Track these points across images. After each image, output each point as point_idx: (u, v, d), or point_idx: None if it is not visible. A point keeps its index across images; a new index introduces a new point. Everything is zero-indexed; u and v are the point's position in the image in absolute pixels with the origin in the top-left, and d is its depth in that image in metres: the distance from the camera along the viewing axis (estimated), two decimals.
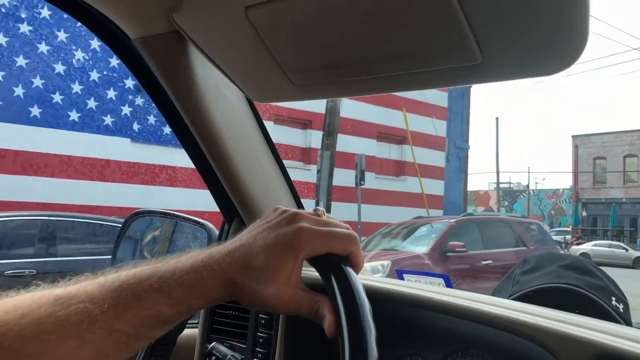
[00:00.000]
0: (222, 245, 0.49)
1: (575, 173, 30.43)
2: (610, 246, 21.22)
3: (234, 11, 0.57)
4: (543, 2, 0.43)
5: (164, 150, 10.53)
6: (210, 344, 0.88)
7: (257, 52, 0.62)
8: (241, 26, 0.58)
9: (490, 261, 7.33)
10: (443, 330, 0.70)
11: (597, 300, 0.78)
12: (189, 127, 0.81)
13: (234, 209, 0.90)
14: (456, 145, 17.46)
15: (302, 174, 11.87)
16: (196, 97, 0.76)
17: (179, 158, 10.16)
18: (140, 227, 1.04)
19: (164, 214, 1.02)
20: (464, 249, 7.28)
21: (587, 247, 21.51)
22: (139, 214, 1.03)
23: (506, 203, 38.29)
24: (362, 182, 9.33)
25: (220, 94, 0.80)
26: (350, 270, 0.47)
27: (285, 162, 0.92)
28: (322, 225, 0.49)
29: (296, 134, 13.21)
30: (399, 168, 15.40)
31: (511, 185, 41.12)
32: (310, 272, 0.55)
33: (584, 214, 29.37)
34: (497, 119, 29.68)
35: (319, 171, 8.63)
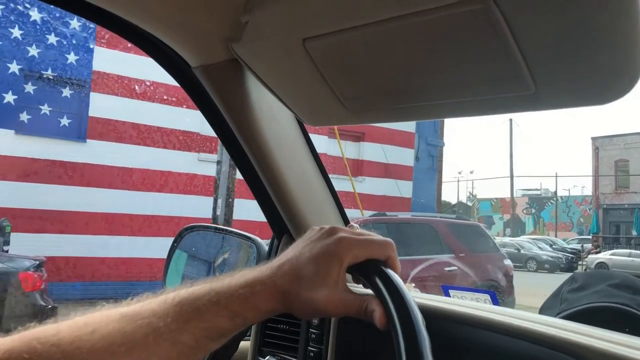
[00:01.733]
0: (269, 263, 0.54)
1: (596, 177, 29.36)
2: (630, 255, 20.25)
3: (292, 42, 0.60)
4: (597, 34, 0.44)
5: (58, 145, 8.64)
6: (262, 357, 0.92)
7: (312, 79, 0.65)
8: (298, 56, 0.61)
9: None
10: (492, 348, 0.70)
11: None
12: (243, 148, 0.85)
13: (284, 225, 0.93)
14: (428, 142, 15.81)
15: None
16: (251, 120, 0.80)
17: (75, 153, 8.72)
18: (193, 241, 1.07)
19: (217, 229, 1.06)
20: None
21: (605, 256, 20.39)
22: (191, 228, 1.07)
23: (533, 210, 36.43)
24: None
25: (273, 117, 0.83)
26: (390, 271, 0.51)
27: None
28: (359, 235, 0.54)
29: None
30: (356, 167, 13.92)
31: (540, 192, 39.35)
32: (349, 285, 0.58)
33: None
34: (510, 120, 29.04)
35: (218, 162, 6.96)
